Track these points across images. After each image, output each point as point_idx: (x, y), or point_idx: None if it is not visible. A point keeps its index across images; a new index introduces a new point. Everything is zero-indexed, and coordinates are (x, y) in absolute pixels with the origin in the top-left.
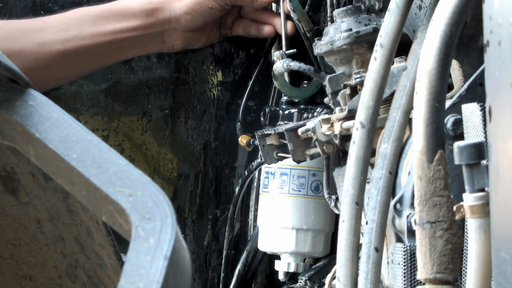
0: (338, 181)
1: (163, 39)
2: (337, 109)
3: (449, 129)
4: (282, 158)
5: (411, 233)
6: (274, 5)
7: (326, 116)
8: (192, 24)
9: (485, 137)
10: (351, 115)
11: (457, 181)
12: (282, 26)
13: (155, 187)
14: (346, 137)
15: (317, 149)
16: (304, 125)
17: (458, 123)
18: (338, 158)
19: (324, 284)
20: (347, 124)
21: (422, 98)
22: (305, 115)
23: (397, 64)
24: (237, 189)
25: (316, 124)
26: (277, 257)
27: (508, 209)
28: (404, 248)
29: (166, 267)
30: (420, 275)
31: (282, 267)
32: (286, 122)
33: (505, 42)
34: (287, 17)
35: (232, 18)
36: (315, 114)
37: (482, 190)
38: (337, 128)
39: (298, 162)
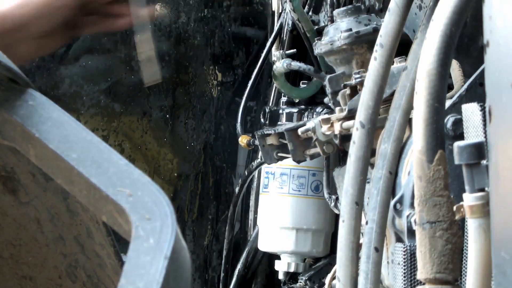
0: (338, 181)
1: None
2: (337, 109)
3: (449, 129)
4: (282, 158)
5: (411, 233)
6: (274, 1)
7: (326, 116)
8: (44, 28)
9: (485, 137)
10: (351, 115)
11: (457, 181)
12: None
13: (155, 187)
14: (346, 137)
15: (317, 149)
16: (304, 125)
17: (458, 123)
18: (338, 158)
19: (324, 284)
20: (347, 124)
21: (422, 98)
22: (305, 115)
23: (397, 64)
24: (237, 189)
25: (316, 124)
26: (277, 257)
27: (508, 209)
28: (404, 248)
29: (166, 267)
30: (420, 275)
31: (282, 267)
32: (286, 122)
33: (505, 42)
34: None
35: (81, 17)
36: (315, 114)
37: (482, 190)
38: (337, 128)
39: (298, 162)
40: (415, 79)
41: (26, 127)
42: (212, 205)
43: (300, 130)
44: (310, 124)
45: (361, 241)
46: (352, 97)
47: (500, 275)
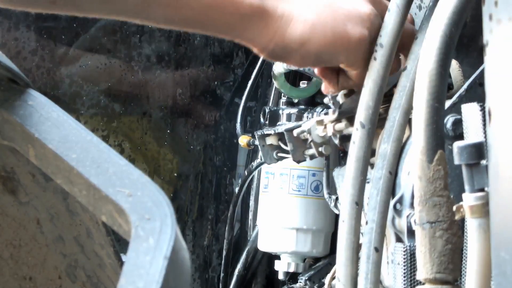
0: (338, 181)
1: None
2: (330, 110)
3: (449, 129)
4: (282, 158)
5: (411, 233)
6: None
7: (320, 117)
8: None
9: (485, 137)
10: (341, 118)
11: (457, 181)
12: None
13: (155, 187)
14: (346, 137)
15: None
16: (300, 126)
17: (458, 123)
18: (338, 158)
19: (324, 284)
20: (339, 126)
21: (422, 98)
22: (304, 115)
23: None
24: (237, 189)
25: (312, 126)
26: (277, 257)
27: (508, 209)
28: (404, 248)
29: (165, 267)
30: (420, 275)
31: (282, 267)
32: (286, 122)
33: (505, 41)
34: None
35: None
36: (315, 114)
37: (482, 190)
38: (330, 130)
39: (298, 162)
40: (415, 79)
41: (25, 127)
42: (212, 205)
43: (295, 132)
44: (305, 126)
45: (361, 241)
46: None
47: (500, 275)
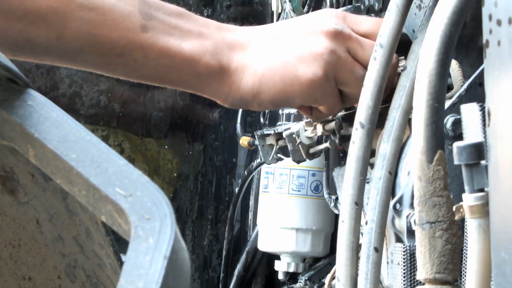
0: (337, 181)
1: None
2: None
3: (449, 129)
4: (281, 158)
5: (411, 233)
6: (273, 1)
7: (309, 119)
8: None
9: (484, 137)
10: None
11: (456, 181)
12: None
13: (155, 187)
14: (346, 137)
15: (318, 148)
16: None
17: (458, 123)
18: (338, 158)
19: (323, 284)
20: (329, 126)
21: (422, 98)
22: (304, 116)
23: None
24: (237, 189)
25: (300, 128)
26: (277, 257)
27: (508, 209)
28: (403, 248)
29: (165, 267)
30: (420, 275)
31: (282, 267)
32: (285, 122)
33: (504, 42)
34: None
35: None
36: None
37: (482, 190)
38: (319, 130)
39: (298, 162)
40: (414, 79)
41: (25, 127)
42: (211, 205)
43: (284, 134)
44: (294, 128)
45: (360, 241)
46: None
47: (500, 275)
